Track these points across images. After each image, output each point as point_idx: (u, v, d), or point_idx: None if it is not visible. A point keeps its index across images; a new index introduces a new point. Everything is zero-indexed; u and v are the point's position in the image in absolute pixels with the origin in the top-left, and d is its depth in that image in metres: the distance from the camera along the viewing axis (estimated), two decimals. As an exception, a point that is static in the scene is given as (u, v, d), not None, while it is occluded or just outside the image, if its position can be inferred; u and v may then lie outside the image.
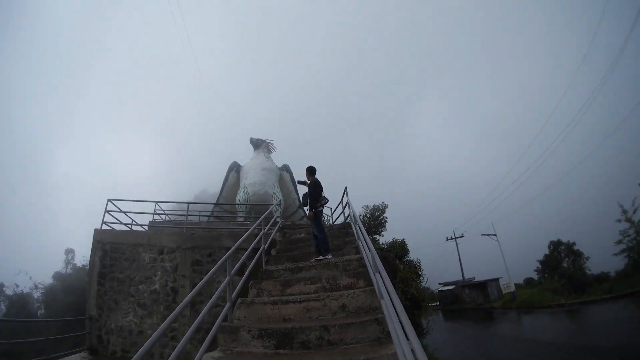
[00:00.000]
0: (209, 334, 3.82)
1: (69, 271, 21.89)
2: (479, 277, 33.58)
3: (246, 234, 5.24)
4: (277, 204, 12.08)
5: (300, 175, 15.56)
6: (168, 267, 8.76)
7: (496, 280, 31.06)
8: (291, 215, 15.77)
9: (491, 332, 19.10)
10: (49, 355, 6.93)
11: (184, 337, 2.83)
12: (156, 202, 10.49)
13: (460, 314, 30.65)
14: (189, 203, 9.90)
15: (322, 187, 7.46)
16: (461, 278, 34.32)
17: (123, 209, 10.19)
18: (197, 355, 3.37)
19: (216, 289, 8.67)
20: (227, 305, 4.53)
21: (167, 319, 2.76)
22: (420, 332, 9.93)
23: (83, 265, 21.25)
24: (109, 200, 9.98)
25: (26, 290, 20.63)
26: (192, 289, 8.64)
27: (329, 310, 4.51)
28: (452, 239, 37.43)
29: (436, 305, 32.20)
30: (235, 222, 12.86)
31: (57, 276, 21.14)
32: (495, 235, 30.94)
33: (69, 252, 23.26)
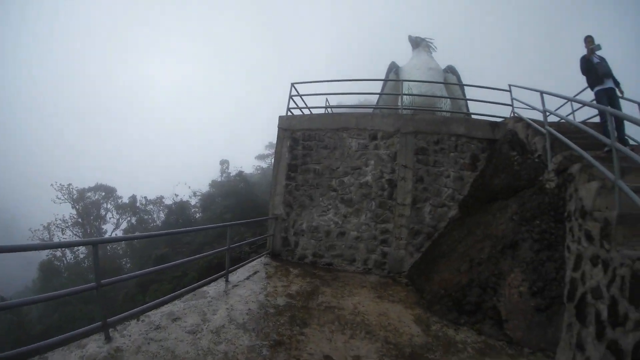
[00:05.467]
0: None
1: (224, 179, 23.70)
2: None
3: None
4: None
5: (467, 78, 12.71)
6: (384, 155, 6.89)
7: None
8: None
9: None
10: (228, 269, 5.56)
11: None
12: (340, 80, 8.29)
13: None
14: (404, 81, 7.68)
15: None
16: None
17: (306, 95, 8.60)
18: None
19: (445, 185, 6.69)
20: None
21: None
22: None
23: (237, 173, 22.51)
24: (293, 84, 8.40)
25: (185, 199, 23.03)
26: (415, 182, 6.58)
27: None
28: None
29: None
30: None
31: (214, 184, 23.22)
32: None
33: (224, 162, 25.22)
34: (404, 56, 14.49)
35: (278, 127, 8.06)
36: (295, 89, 8.47)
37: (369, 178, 6.93)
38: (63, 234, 24.32)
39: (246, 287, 5.24)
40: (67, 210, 25.60)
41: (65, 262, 22.96)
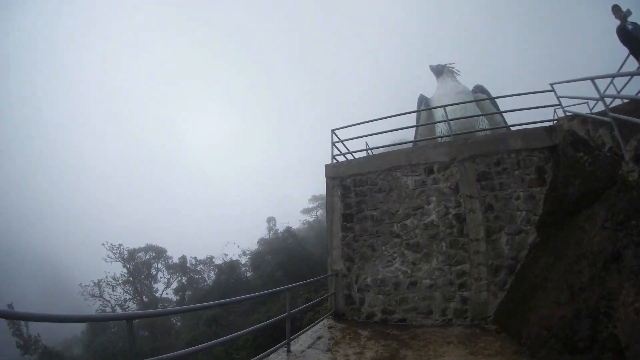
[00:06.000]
0: None
1: (272, 236, 24.00)
2: None
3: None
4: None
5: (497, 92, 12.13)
6: (445, 188, 6.39)
7: None
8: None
9: None
10: (289, 337, 4.90)
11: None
12: (378, 119, 8.06)
13: None
14: (440, 107, 7.37)
15: None
16: None
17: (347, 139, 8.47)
18: None
19: (517, 208, 5.92)
20: None
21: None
22: None
23: (285, 229, 22.66)
24: (333, 131, 8.36)
25: (235, 258, 23.34)
26: (485, 211, 5.37)
27: None
28: None
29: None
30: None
31: (262, 242, 23.56)
32: None
33: (270, 219, 25.92)
34: (428, 88, 14.40)
35: (326, 176, 7.86)
36: (337, 136, 8.39)
37: (433, 217, 6.37)
38: (114, 290, 25.11)
39: (312, 358, 4.65)
40: (118, 269, 26.58)
41: (116, 317, 23.31)
